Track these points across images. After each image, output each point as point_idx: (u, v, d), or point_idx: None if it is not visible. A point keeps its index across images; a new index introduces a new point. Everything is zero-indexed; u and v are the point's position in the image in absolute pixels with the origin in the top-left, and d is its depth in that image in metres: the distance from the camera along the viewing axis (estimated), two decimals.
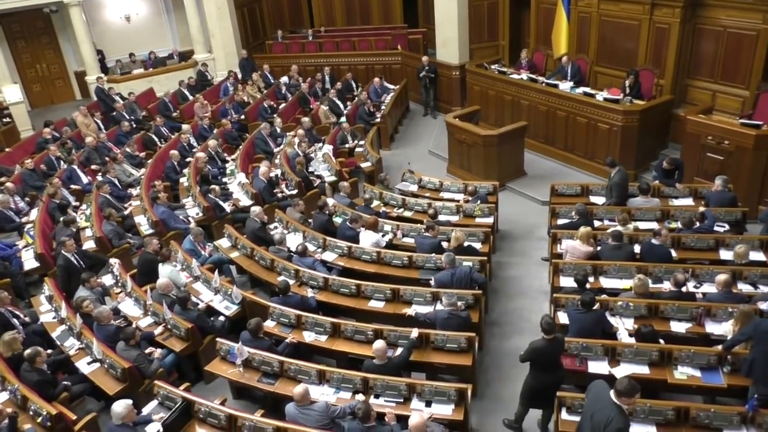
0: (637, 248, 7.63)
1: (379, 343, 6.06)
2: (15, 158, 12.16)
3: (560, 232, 8.19)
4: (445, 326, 6.49)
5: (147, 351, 6.78)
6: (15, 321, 7.36)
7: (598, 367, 6.00)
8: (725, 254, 7.47)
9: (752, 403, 5.17)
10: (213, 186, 10.27)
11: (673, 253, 7.49)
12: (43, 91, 17.43)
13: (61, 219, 9.26)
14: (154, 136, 12.72)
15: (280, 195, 10.37)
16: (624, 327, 6.26)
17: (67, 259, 8.26)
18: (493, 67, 12.75)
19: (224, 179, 11.29)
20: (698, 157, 9.45)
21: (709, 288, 6.87)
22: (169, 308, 7.11)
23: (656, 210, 8.40)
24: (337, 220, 9.15)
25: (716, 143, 9.13)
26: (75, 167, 11.22)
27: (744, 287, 6.82)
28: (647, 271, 7.07)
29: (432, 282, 7.35)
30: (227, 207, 10.05)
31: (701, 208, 8.16)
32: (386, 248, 8.32)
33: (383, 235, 8.62)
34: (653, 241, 7.33)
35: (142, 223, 9.63)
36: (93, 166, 11.62)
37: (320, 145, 11.97)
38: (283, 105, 14.26)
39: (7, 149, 12.59)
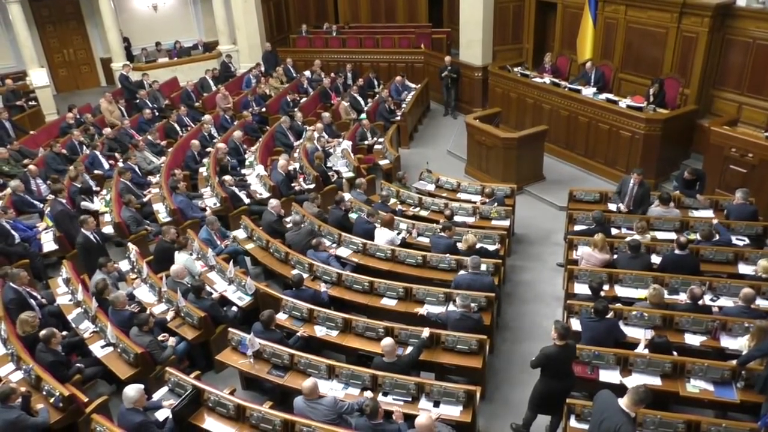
0: (656, 258, 7.55)
1: (388, 340, 6.06)
2: (39, 141, 12.36)
3: (576, 238, 8.13)
4: (456, 327, 6.48)
5: (160, 337, 6.85)
6: (32, 302, 7.47)
7: (609, 376, 5.96)
8: (744, 268, 7.37)
9: (765, 420, 5.11)
10: (225, 177, 10.30)
11: None
12: (69, 76, 17.65)
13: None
14: (175, 125, 12.83)
15: (297, 189, 10.41)
16: (645, 343, 6.15)
17: (86, 237, 8.42)
18: (516, 69, 12.69)
19: (243, 171, 11.37)
20: (720, 168, 9.33)
21: (725, 302, 6.79)
22: (183, 296, 7.17)
23: (675, 220, 8.31)
24: (353, 216, 9.17)
25: (740, 156, 9.01)
26: (97, 153, 11.37)
27: (762, 303, 6.71)
28: (663, 282, 7.00)
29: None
30: (245, 198, 10.11)
31: (715, 221, 8.07)
32: (401, 246, 8.32)
33: (398, 233, 8.62)
34: (677, 251, 7.24)
35: (161, 210, 9.73)
36: (116, 154, 11.77)
37: (340, 140, 12.00)
38: (304, 99, 14.32)
39: (31, 132, 12.76)
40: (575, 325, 6.55)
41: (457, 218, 8.92)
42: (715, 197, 8.94)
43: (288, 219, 9.17)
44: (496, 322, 7.48)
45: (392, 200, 9.61)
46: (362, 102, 14.00)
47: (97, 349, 6.80)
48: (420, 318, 6.92)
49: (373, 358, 6.27)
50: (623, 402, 4.55)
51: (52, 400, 5.91)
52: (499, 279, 7.64)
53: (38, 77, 14.88)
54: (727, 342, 6.23)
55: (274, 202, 9.10)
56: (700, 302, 6.55)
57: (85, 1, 16.98)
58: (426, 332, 6.37)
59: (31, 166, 10.53)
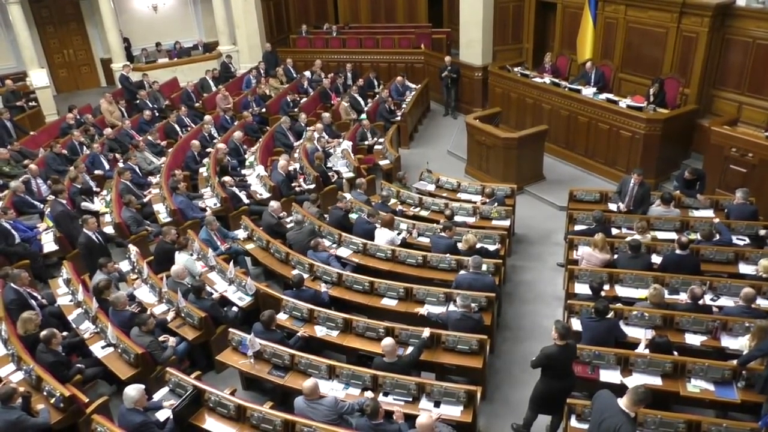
0: (656, 258, 7.55)
1: (388, 341, 6.06)
2: (39, 141, 12.35)
3: (576, 238, 8.13)
4: (457, 327, 6.48)
5: (161, 338, 6.85)
6: (33, 302, 7.47)
7: (610, 376, 5.96)
8: (744, 268, 7.37)
9: (765, 420, 5.11)
10: (225, 177, 10.31)
11: None
12: (69, 77, 17.66)
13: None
14: (176, 125, 12.84)
15: (297, 189, 10.41)
16: (645, 343, 6.15)
17: (88, 237, 8.43)
18: (515, 69, 12.69)
19: (243, 171, 11.37)
20: (721, 168, 9.33)
21: (726, 301, 6.79)
22: (183, 297, 7.17)
23: (676, 220, 8.31)
24: (353, 216, 9.17)
25: (740, 155, 9.01)
26: (97, 153, 11.37)
27: (763, 302, 6.71)
28: (664, 282, 7.00)
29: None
30: (245, 198, 10.11)
31: (716, 220, 8.07)
32: (401, 247, 8.31)
33: (399, 234, 8.62)
34: (678, 251, 7.23)
35: (161, 211, 9.73)
36: (116, 155, 11.78)
37: (340, 140, 12.00)
38: (304, 99, 14.33)
39: (32, 132, 12.76)
40: (576, 325, 6.55)
41: (457, 218, 8.92)
42: (716, 197, 8.94)
43: (289, 219, 9.16)
44: (497, 322, 7.48)
45: (392, 200, 9.61)
46: (362, 102, 14.01)
47: (98, 349, 6.80)
48: (420, 318, 6.92)
49: (373, 359, 6.27)
50: (623, 402, 4.55)
51: (52, 400, 5.90)
52: (499, 279, 7.64)
53: (38, 78, 14.88)
54: (727, 342, 6.23)
55: (275, 204, 9.08)
56: (701, 302, 6.55)
57: (85, 1, 17.00)
58: (426, 332, 6.37)
59: (32, 165, 10.53)
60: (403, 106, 13.53)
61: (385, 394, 5.91)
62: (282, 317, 7.11)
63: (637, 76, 11.56)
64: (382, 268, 8.03)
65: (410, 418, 5.38)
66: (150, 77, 15.20)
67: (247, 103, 13.95)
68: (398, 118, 13.07)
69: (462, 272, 7.37)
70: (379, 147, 12.01)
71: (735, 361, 5.76)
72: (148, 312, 7.19)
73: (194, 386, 5.93)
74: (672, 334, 6.34)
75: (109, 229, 9.28)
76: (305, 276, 7.68)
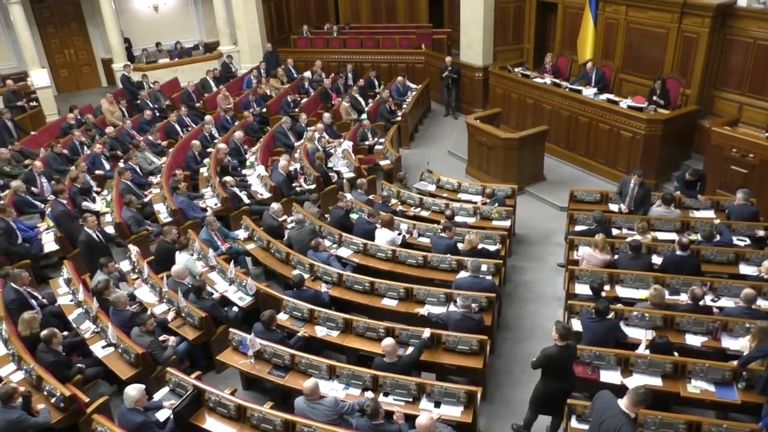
0: (657, 259, 7.54)
1: (389, 341, 6.06)
2: (40, 141, 12.36)
3: (577, 238, 8.13)
4: (457, 328, 6.48)
5: (161, 338, 6.85)
6: (33, 302, 7.47)
7: (610, 376, 5.96)
8: (745, 269, 7.36)
9: (766, 421, 5.11)
10: (226, 177, 10.31)
11: None
12: (70, 77, 17.67)
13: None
14: (176, 125, 12.84)
15: (298, 189, 10.41)
16: (646, 343, 6.14)
17: (89, 235, 8.44)
18: (516, 70, 12.69)
19: (244, 171, 11.37)
20: (721, 169, 9.32)
21: (726, 302, 6.78)
22: (184, 296, 7.18)
23: (676, 221, 8.31)
24: (354, 216, 9.17)
25: (740, 156, 9.00)
26: (98, 153, 11.37)
27: (763, 303, 6.70)
28: (664, 282, 6.99)
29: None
30: (245, 198, 10.11)
31: (716, 221, 8.07)
32: (401, 247, 8.31)
33: (399, 234, 8.62)
34: (678, 252, 7.22)
35: (161, 210, 9.74)
36: (118, 152, 11.79)
37: (341, 140, 12.00)
38: (305, 99, 14.33)
39: (32, 132, 12.76)
40: (576, 325, 6.55)
41: (457, 219, 8.92)
42: (716, 198, 8.94)
43: (290, 219, 9.16)
44: (497, 322, 7.48)
45: (393, 201, 9.60)
46: (363, 102, 14.02)
47: (98, 349, 6.80)
48: (421, 318, 6.92)
49: (373, 359, 6.27)
50: (623, 403, 4.55)
51: (53, 400, 5.91)
52: (499, 279, 7.64)
53: (39, 78, 14.89)
54: (728, 343, 6.22)
55: (276, 206, 9.07)
56: (701, 303, 6.54)
57: (86, 1, 17.01)
58: (427, 333, 6.37)
59: (37, 162, 10.54)
60: (404, 106, 13.53)
61: (386, 395, 5.91)
62: (282, 317, 7.11)
63: (638, 77, 11.56)
64: (383, 269, 8.03)
65: (410, 419, 5.38)
66: (151, 77, 15.20)
67: (248, 103, 13.95)
68: (399, 119, 13.07)
69: (461, 274, 7.37)
70: (380, 147, 12.01)
71: (735, 362, 5.76)
72: (149, 312, 7.20)
73: (194, 386, 5.94)
74: (672, 334, 6.34)
75: (109, 229, 9.29)
76: (306, 276, 7.68)
